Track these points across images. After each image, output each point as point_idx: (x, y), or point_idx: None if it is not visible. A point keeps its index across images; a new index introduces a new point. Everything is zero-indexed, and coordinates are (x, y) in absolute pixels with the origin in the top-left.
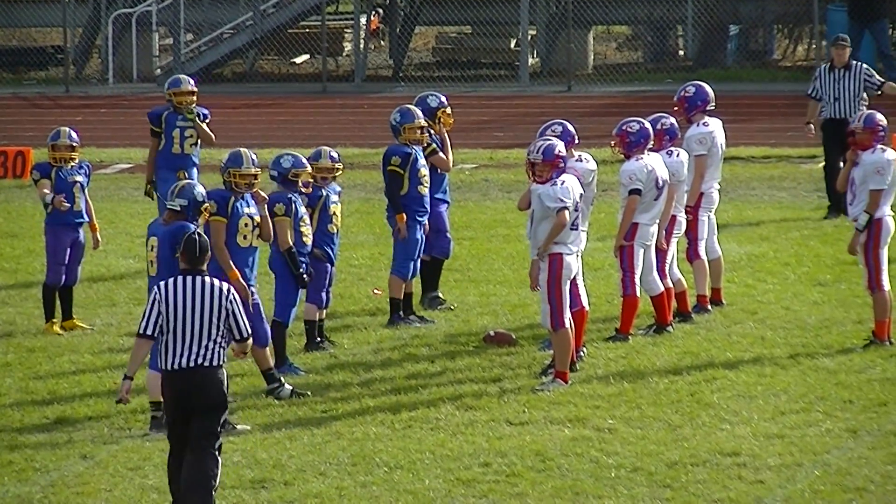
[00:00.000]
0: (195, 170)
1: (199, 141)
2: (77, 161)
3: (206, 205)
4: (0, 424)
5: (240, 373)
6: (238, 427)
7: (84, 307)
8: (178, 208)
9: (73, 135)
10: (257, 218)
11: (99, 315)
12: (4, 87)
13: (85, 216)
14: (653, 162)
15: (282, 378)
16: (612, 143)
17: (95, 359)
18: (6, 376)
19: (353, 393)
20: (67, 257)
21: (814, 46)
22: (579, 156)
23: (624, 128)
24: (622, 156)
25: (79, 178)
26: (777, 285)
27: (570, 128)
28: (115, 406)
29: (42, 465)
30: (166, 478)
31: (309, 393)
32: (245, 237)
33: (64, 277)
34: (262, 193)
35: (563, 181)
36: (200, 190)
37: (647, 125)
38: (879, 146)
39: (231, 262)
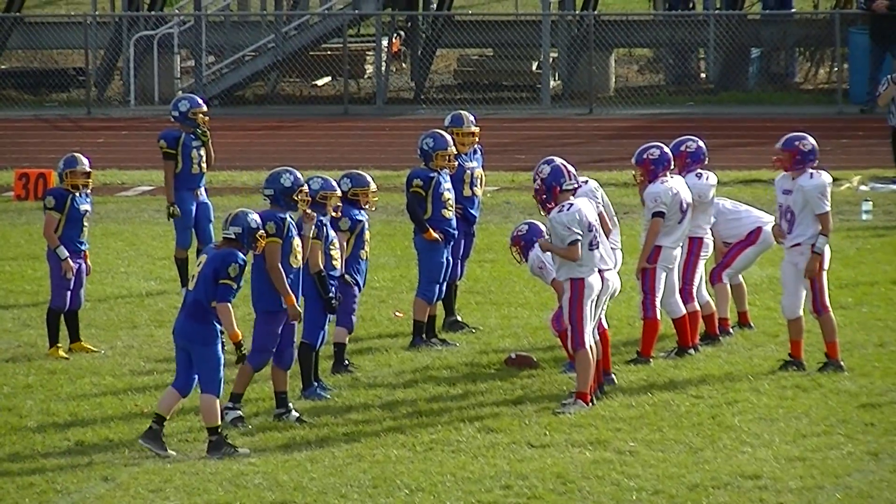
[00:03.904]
0: (204, 187)
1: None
2: (89, 188)
3: (261, 232)
4: (21, 446)
5: (261, 397)
6: (240, 450)
7: (105, 329)
8: (233, 236)
9: (86, 161)
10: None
11: (120, 337)
12: (26, 110)
13: (87, 243)
14: (677, 185)
15: (290, 405)
16: (634, 173)
17: (117, 381)
18: (27, 398)
19: (375, 415)
20: (72, 282)
21: (835, 69)
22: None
23: (645, 156)
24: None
25: (87, 207)
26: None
27: (559, 162)
28: (136, 428)
29: (63, 487)
30: (188, 500)
31: (311, 420)
32: (297, 257)
33: (68, 302)
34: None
35: (571, 204)
36: (255, 217)
37: (666, 149)
38: (810, 170)
39: (288, 287)
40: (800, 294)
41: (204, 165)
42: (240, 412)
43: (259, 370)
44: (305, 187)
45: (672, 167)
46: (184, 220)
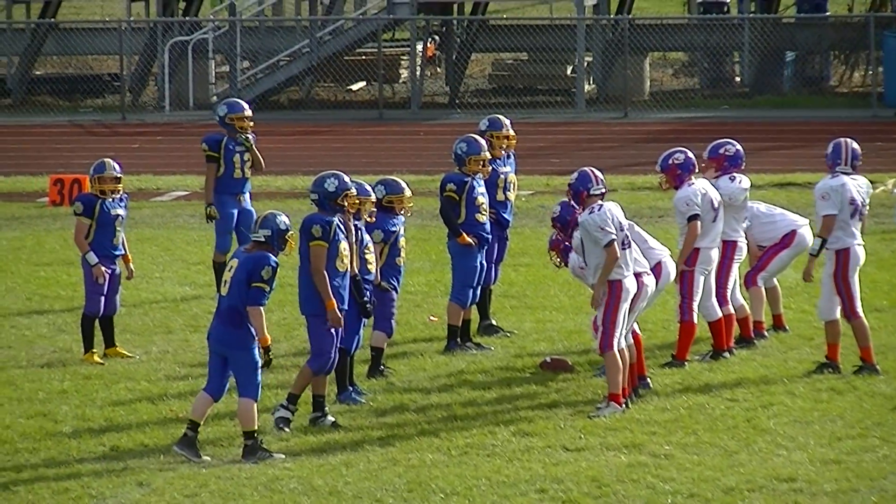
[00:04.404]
0: (249, 193)
1: (252, 165)
2: (120, 193)
3: (291, 233)
4: (56, 451)
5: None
6: (275, 455)
7: (140, 334)
8: (263, 239)
9: (117, 166)
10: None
11: (155, 342)
12: (61, 115)
13: (122, 248)
14: (703, 186)
15: (327, 409)
16: (660, 180)
17: (152, 386)
18: (63, 403)
19: (409, 419)
20: (106, 288)
21: (870, 72)
22: None
23: (671, 162)
24: (673, 188)
25: (120, 212)
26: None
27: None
28: (171, 434)
29: (98, 492)
30: None
31: (346, 425)
32: (343, 261)
33: (103, 308)
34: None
35: (601, 206)
36: (284, 219)
37: (690, 153)
38: (836, 172)
39: (330, 291)
40: (834, 297)
41: (248, 171)
42: (290, 415)
43: (319, 374)
44: (353, 191)
45: (696, 171)
46: (224, 223)
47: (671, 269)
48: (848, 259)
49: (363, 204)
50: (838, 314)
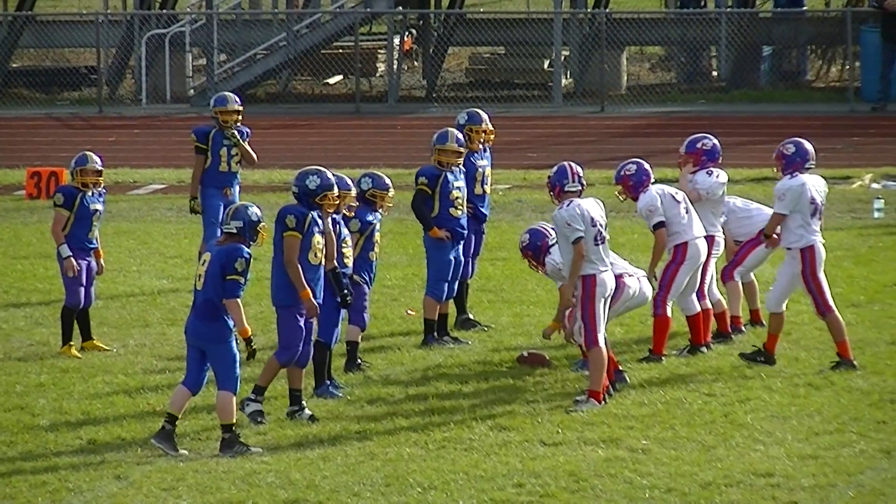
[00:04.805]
0: (238, 187)
1: (241, 160)
2: (100, 187)
3: (262, 224)
4: (34, 445)
5: (274, 395)
6: (252, 449)
7: (117, 328)
8: (234, 230)
9: (98, 159)
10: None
11: (132, 335)
12: (38, 108)
13: (95, 242)
14: (660, 187)
15: (304, 403)
16: (617, 192)
17: (129, 379)
18: (40, 397)
19: (387, 413)
20: (84, 280)
21: (847, 67)
22: None
23: (623, 173)
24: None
25: (98, 207)
26: (810, 306)
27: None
28: (148, 427)
29: (76, 485)
30: (201, 499)
31: (324, 418)
32: (316, 255)
33: (83, 300)
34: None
35: (572, 201)
36: (255, 210)
37: (646, 165)
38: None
39: (304, 281)
40: (785, 290)
41: (235, 165)
42: (260, 406)
43: (286, 366)
44: (334, 191)
45: (651, 180)
46: (210, 215)
47: (647, 290)
48: (814, 256)
49: (343, 199)
50: (784, 308)
